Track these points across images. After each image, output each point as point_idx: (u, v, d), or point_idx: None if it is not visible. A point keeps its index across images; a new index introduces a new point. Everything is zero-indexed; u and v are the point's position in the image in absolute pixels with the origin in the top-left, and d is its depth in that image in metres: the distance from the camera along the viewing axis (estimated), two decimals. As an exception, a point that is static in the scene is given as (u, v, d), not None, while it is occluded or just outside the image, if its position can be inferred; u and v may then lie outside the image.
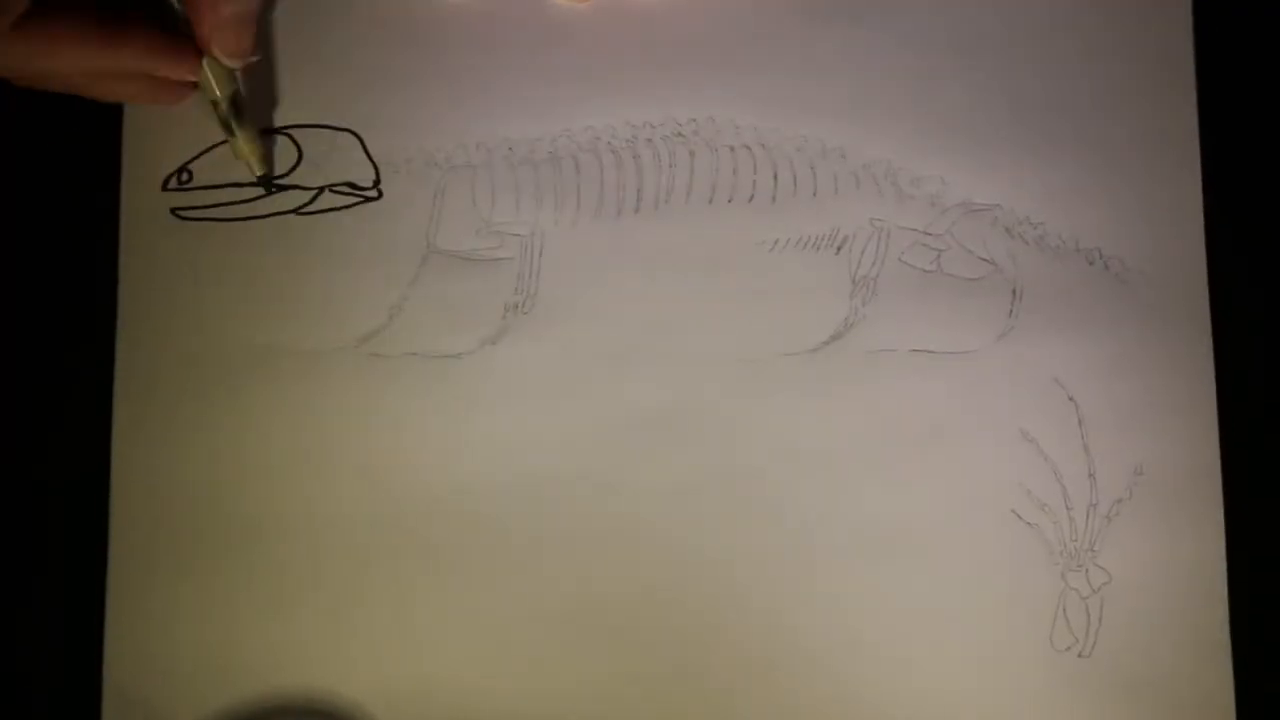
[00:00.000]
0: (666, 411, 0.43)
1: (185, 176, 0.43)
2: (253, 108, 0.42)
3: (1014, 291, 0.44)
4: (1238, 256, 0.44)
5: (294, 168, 0.43)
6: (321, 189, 0.43)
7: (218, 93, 0.41)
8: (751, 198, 0.44)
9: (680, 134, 0.44)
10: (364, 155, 0.43)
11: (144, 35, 0.38)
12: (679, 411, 0.43)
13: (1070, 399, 0.43)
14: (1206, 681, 0.42)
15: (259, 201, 0.43)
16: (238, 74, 0.41)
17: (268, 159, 0.43)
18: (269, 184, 0.43)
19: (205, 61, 0.40)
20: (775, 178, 0.44)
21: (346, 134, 0.43)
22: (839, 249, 0.44)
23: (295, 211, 0.43)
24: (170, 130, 0.43)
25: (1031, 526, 0.43)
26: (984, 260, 0.44)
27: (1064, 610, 0.42)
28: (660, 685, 0.42)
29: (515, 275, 0.43)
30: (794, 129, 0.44)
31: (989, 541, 0.42)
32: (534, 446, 0.42)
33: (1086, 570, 0.42)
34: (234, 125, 0.42)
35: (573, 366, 0.43)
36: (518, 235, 0.43)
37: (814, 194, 0.44)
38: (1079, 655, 0.42)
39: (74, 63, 0.38)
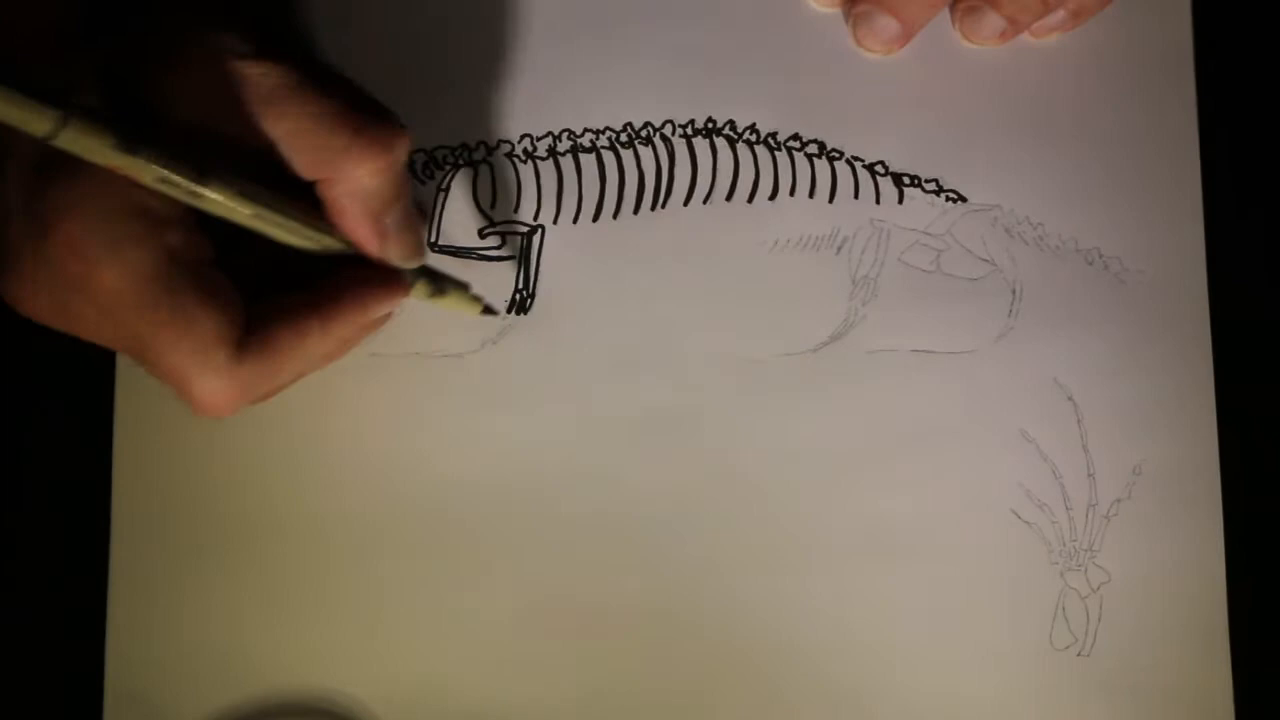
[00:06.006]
0: (666, 411, 0.43)
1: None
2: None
3: (1014, 291, 0.44)
4: (1238, 256, 0.44)
5: (294, 168, 0.43)
6: (321, 189, 0.43)
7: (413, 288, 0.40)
8: (751, 198, 0.44)
9: (680, 134, 0.44)
10: (364, 155, 0.43)
11: (348, 291, 0.37)
12: (679, 411, 0.43)
13: (1070, 399, 0.43)
14: (1206, 681, 0.42)
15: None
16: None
17: (477, 296, 0.42)
18: (493, 310, 0.42)
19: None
20: (775, 178, 0.44)
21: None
22: (839, 249, 0.44)
23: (295, 211, 0.43)
24: (170, 130, 0.43)
25: (1031, 526, 0.43)
26: (984, 260, 0.44)
27: (1063, 610, 0.42)
28: (660, 684, 0.42)
29: (515, 275, 0.43)
30: (794, 129, 0.44)
31: (988, 541, 0.42)
32: (534, 446, 0.42)
33: (1086, 570, 0.42)
34: (440, 296, 0.41)
35: (573, 366, 0.43)
36: (518, 235, 0.43)
37: (814, 194, 0.44)
38: (1078, 655, 0.42)
39: (307, 361, 0.37)
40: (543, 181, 0.43)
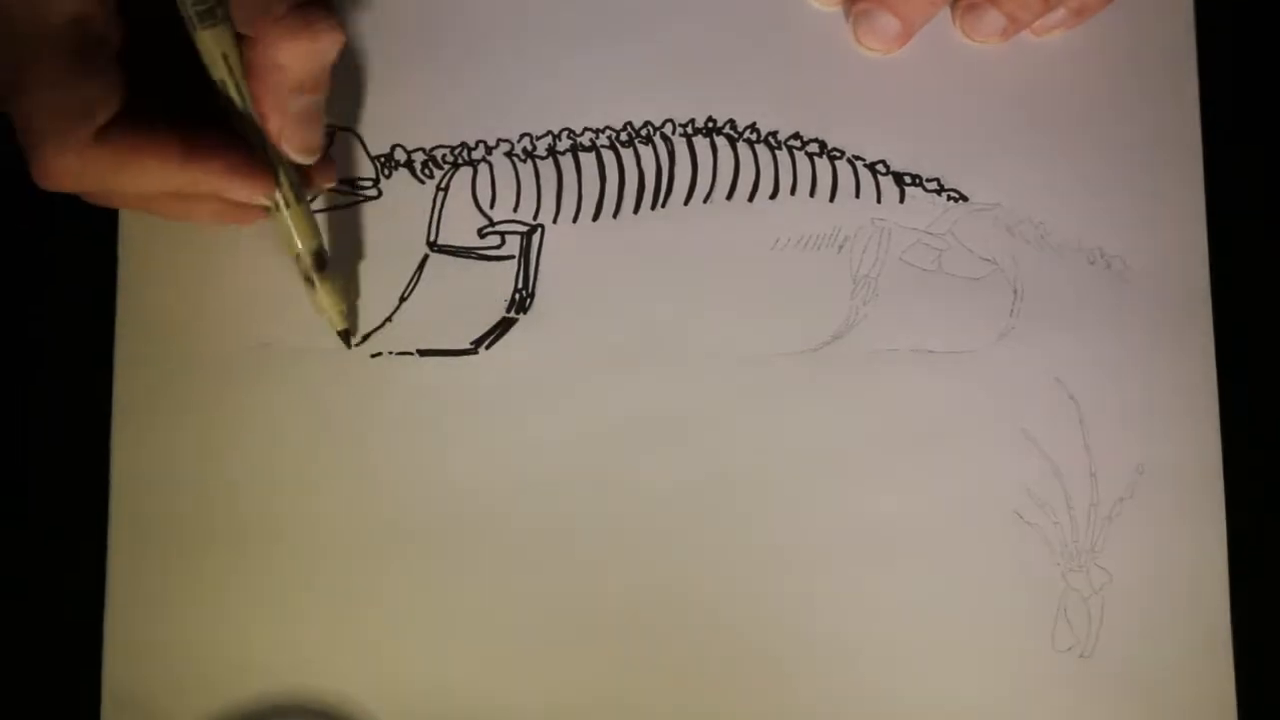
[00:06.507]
0: (666, 411, 0.43)
1: (184, 176, 0.43)
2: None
3: (1015, 291, 0.43)
4: (1239, 255, 0.44)
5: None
6: (321, 189, 0.43)
7: (299, 245, 0.40)
8: (751, 198, 0.44)
9: (680, 133, 0.44)
10: (364, 154, 0.43)
11: (222, 154, 0.38)
12: (679, 411, 0.43)
13: (1071, 398, 0.43)
14: (1208, 681, 0.42)
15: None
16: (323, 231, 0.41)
17: (350, 314, 0.42)
18: (349, 340, 0.42)
19: (288, 213, 0.39)
20: (776, 177, 0.44)
21: (346, 132, 0.43)
22: (840, 248, 0.43)
23: (295, 211, 0.43)
24: (170, 130, 0.43)
25: (1032, 526, 0.42)
26: (985, 259, 0.44)
27: (1065, 610, 0.42)
28: (661, 685, 0.42)
29: (515, 275, 0.43)
30: (794, 128, 0.44)
31: (990, 542, 0.42)
32: (533, 446, 0.42)
33: (1087, 570, 0.42)
34: (315, 279, 0.41)
35: (573, 366, 0.43)
36: (518, 234, 0.43)
37: (814, 193, 0.44)
38: (1080, 655, 0.42)
39: (153, 180, 0.37)
40: (543, 181, 0.43)
